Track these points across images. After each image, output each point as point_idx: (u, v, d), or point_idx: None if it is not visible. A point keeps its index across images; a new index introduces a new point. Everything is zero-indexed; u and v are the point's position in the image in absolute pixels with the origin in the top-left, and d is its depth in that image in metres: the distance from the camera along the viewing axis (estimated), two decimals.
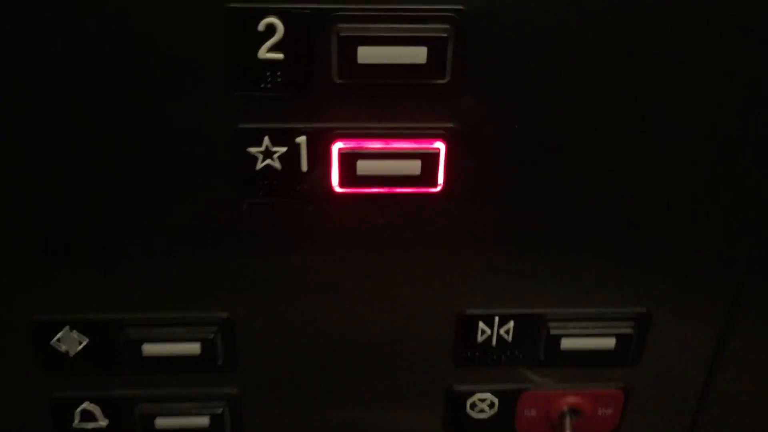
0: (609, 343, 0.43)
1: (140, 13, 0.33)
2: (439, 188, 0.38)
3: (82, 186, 0.37)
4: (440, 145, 0.36)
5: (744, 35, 0.34)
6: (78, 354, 0.42)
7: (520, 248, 0.40)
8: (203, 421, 0.44)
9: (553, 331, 0.43)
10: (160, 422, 0.44)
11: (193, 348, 0.42)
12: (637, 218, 0.39)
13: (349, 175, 0.37)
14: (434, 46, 0.34)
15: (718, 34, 0.34)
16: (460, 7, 0.33)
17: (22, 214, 0.37)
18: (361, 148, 0.36)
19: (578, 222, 0.39)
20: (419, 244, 0.40)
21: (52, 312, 0.41)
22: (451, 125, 0.36)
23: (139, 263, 0.39)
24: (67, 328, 0.41)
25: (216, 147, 0.36)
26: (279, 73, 0.34)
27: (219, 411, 0.44)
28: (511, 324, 0.43)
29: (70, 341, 0.41)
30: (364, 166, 0.37)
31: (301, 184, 0.37)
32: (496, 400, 0.46)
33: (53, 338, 0.41)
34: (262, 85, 0.34)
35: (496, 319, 0.42)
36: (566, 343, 0.43)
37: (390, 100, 0.35)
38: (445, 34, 0.33)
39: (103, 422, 0.44)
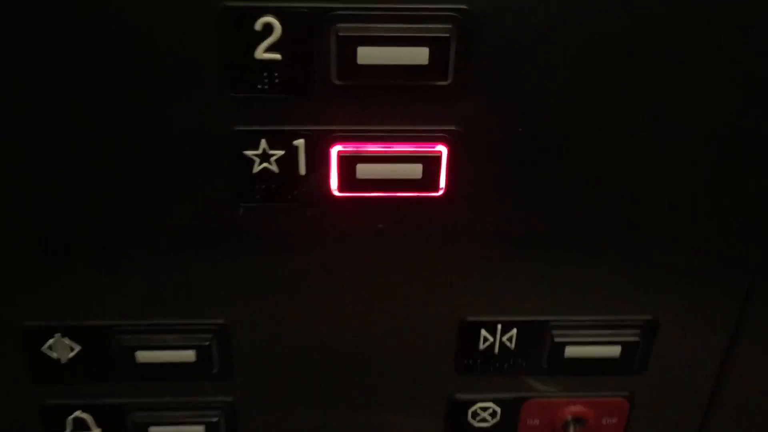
0: (614, 351, 0.43)
1: (134, 13, 0.32)
2: (440, 192, 0.37)
3: (74, 190, 0.36)
4: (442, 149, 0.36)
5: (744, 35, 0.34)
6: (70, 361, 0.41)
7: (523, 254, 0.40)
8: (198, 430, 0.44)
9: (557, 339, 0.42)
10: (154, 431, 0.44)
11: (188, 355, 0.41)
12: (644, 223, 0.39)
13: (348, 179, 0.37)
14: (436, 46, 0.33)
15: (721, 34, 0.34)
16: (464, 6, 0.33)
17: (13, 218, 0.37)
18: (361, 151, 0.36)
19: (583, 227, 0.39)
20: (420, 250, 0.39)
21: (43, 318, 0.40)
22: (453, 128, 0.36)
23: (133, 268, 0.39)
24: (58, 334, 0.41)
25: (212, 150, 0.36)
26: (276, 74, 0.34)
27: (214, 420, 0.44)
28: (514, 331, 0.42)
29: (62, 348, 0.41)
30: (363, 170, 0.36)
31: (299, 188, 0.37)
32: (498, 409, 0.45)
33: (45, 345, 0.41)
34: (259, 87, 0.34)
35: (499, 326, 0.42)
36: (570, 351, 0.42)
37: (390, 102, 0.35)
38: (447, 35, 0.33)
39: (95, 431, 0.44)
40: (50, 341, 0.41)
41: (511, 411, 0.45)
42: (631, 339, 0.42)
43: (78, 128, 0.35)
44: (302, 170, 0.36)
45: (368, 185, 0.37)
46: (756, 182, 0.38)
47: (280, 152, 0.36)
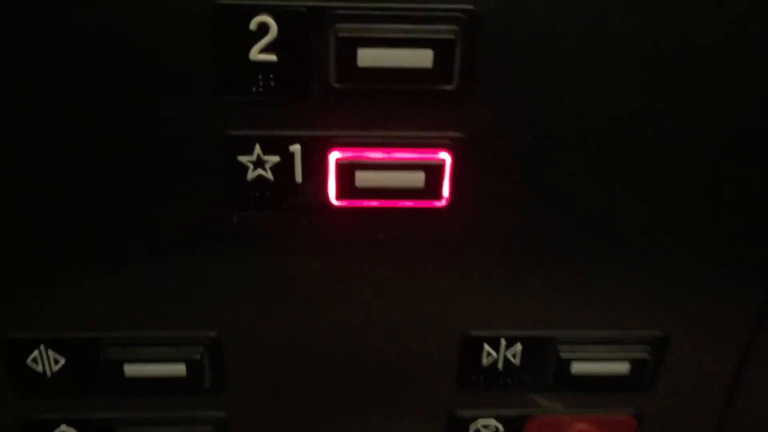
0: (623, 368, 0.42)
1: (122, 11, 0.32)
2: (443, 202, 0.37)
3: (61, 196, 0.36)
4: (446, 156, 0.36)
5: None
6: (55, 374, 0.41)
7: (529, 266, 0.39)
8: None
9: (563, 355, 0.42)
10: None
11: (179, 369, 0.40)
12: (655, 235, 0.39)
13: (346, 187, 0.36)
14: (441, 48, 0.33)
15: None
16: (470, 6, 0.32)
17: None
18: (360, 158, 0.35)
19: (591, 239, 0.38)
20: (422, 262, 0.39)
21: (27, 330, 0.40)
22: (457, 135, 0.35)
23: (121, 278, 0.38)
24: (42, 346, 0.40)
25: (203, 155, 0.35)
26: (272, 77, 0.33)
27: None
28: (519, 347, 0.42)
29: (46, 361, 0.40)
30: (363, 178, 0.36)
31: (295, 196, 0.36)
32: (501, 427, 0.45)
33: (29, 357, 0.40)
34: (254, 89, 0.33)
35: (503, 341, 0.42)
36: (577, 368, 0.42)
37: (392, 107, 0.34)
38: (452, 36, 0.32)
39: None
40: (34, 354, 0.40)
41: (514, 429, 0.45)
42: (641, 356, 0.42)
43: (64, 131, 0.34)
44: (298, 177, 0.36)
45: (368, 194, 0.36)
46: None
47: (276, 158, 0.35)
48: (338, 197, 0.36)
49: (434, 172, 0.36)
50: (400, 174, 0.36)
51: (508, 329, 0.41)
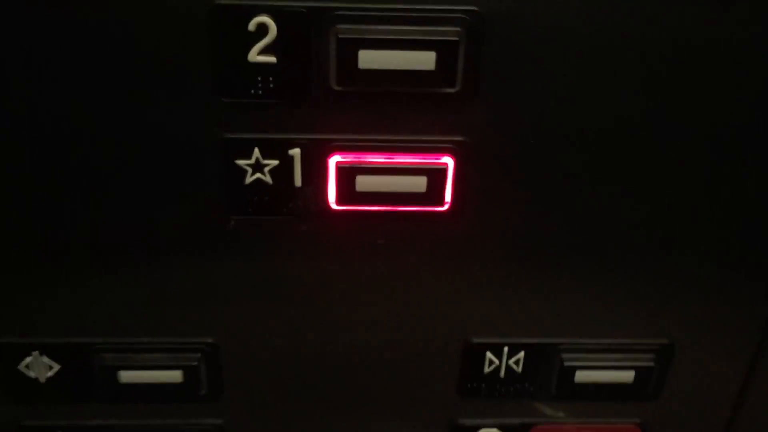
0: (627, 376, 0.42)
1: (120, 12, 0.31)
2: (446, 207, 0.37)
3: (55, 199, 0.36)
4: (448, 161, 0.35)
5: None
6: (49, 380, 0.41)
7: (532, 272, 0.39)
8: None
9: (566, 363, 0.41)
10: None
11: (175, 376, 0.40)
12: (661, 241, 0.38)
13: (347, 192, 0.36)
14: (444, 50, 0.32)
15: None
16: (474, 8, 0.32)
17: None
18: (361, 162, 0.35)
19: (596, 245, 0.38)
20: (423, 267, 0.39)
21: (20, 335, 0.39)
22: (460, 139, 0.35)
23: (116, 282, 0.38)
24: (36, 352, 0.40)
25: (201, 159, 0.35)
26: (271, 78, 0.33)
27: None
28: (522, 354, 0.41)
29: (39, 367, 0.40)
30: (363, 182, 0.36)
31: (295, 200, 0.36)
32: None
33: (21, 363, 0.40)
34: (253, 91, 0.33)
35: (506, 348, 0.41)
36: (581, 376, 0.42)
37: (393, 110, 0.34)
38: (456, 38, 0.32)
39: None
40: (27, 359, 0.40)
41: None
42: (646, 364, 0.42)
43: (59, 132, 0.34)
44: (298, 182, 0.36)
45: (368, 199, 0.36)
46: None
47: (274, 162, 0.35)
48: (338, 202, 0.36)
49: (436, 176, 0.36)
50: (402, 178, 0.35)
51: (511, 336, 0.41)
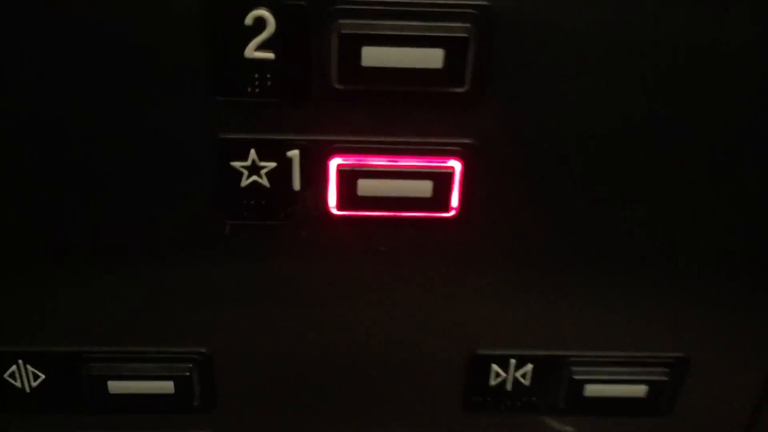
0: (639, 390, 0.42)
1: (110, 3, 0.31)
2: (452, 213, 0.36)
3: (44, 200, 0.35)
4: (455, 164, 0.35)
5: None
6: (35, 390, 0.41)
7: (541, 282, 0.39)
8: None
9: (576, 376, 0.41)
10: None
11: (166, 386, 0.40)
12: (675, 250, 0.38)
13: (348, 196, 0.35)
14: (453, 48, 0.32)
15: None
16: (485, 2, 0.31)
17: None
18: (363, 165, 0.35)
19: (608, 254, 0.38)
20: (427, 276, 0.38)
21: (4, 343, 0.39)
22: (468, 141, 0.35)
23: (105, 288, 0.38)
24: (20, 361, 0.40)
25: (194, 161, 0.34)
26: (269, 76, 0.33)
27: None
28: (529, 367, 0.41)
29: (25, 376, 0.40)
30: (366, 186, 0.35)
31: (293, 205, 0.36)
32: None
33: (6, 372, 0.40)
34: (249, 90, 0.33)
35: (512, 361, 0.41)
36: (591, 390, 0.41)
37: (398, 111, 0.34)
38: (465, 35, 0.32)
39: None
40: (12, 368, 0.40)
41: None
42: (659, 378, 0.41)
43: (44, 133, 0.34)
44: (296, 185, 0.35)
45: (371, 203, 0.36)
46: None
47: (272, 164, 0.35)
48: (339, 207, 0.36)
49: (443, 180, 0.35)
50: (406, 183, 0.35)
51: (519, 348, 0.41)
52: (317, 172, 0.35)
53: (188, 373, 0.40)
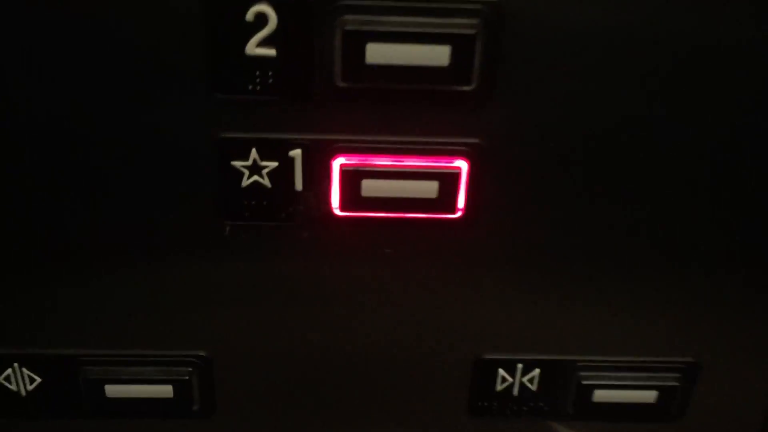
0: (649, 396, 0.41)
1: (109, 3, 0.31)
2: (458, 214, 0.36)
3: (41, 200, 0.35)
4: (462, 164, 0.35)
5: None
6: (31, 393, 0.41)
7: (549, 285, 0.38)
8: None
9: (585, 381, 0.41)
10: None
11: (165, 390, 0.40)
12: (686, 253, 0.38)
13: (352, 197, 0.35)
14: (459, 45, 0.31)
15: None
16: None
17: None
18: (367, 165, 0.35)
19: (617, 257, 0.38)
20: (433, 278, 0.38)
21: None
22: (475, 141, 0.34)
23: (102, 290, 0.38)
24: (16, 364, 0.40)
25: (194, 160, 0.34)
26: (270, 73, 0.32)
27: None
28: (537, 372, 0.41)
29: (20, 380, 0.40)
30: (370, 187, 0.35)
31: (295, 205, 0.36)
32: None
33: (1, 376, 0.40)
34: (251, 87, 0.32)
35: (519, 365, 0.41)
36: (600, 395, 0.41)
37: (403, 109, 0.34)
38: (473, 31, 0.31)
39: None
40: (7, 372, 0.40)
41: None
42: (669, 383, 0.41)
43: (44, 133, 0.33)
44: (298, 185, 0.35)
45: (375, 204, 0.36)
46: None
47: (273, 164, 0.34)
48: (342, 207, 0.36)
49: (449, 181, 0.35)
50: (411, 183, 0.35)
51: (525, 352, 0.41)
52: (320, 172, 0.35)
53: (187, 377, 0.40)
